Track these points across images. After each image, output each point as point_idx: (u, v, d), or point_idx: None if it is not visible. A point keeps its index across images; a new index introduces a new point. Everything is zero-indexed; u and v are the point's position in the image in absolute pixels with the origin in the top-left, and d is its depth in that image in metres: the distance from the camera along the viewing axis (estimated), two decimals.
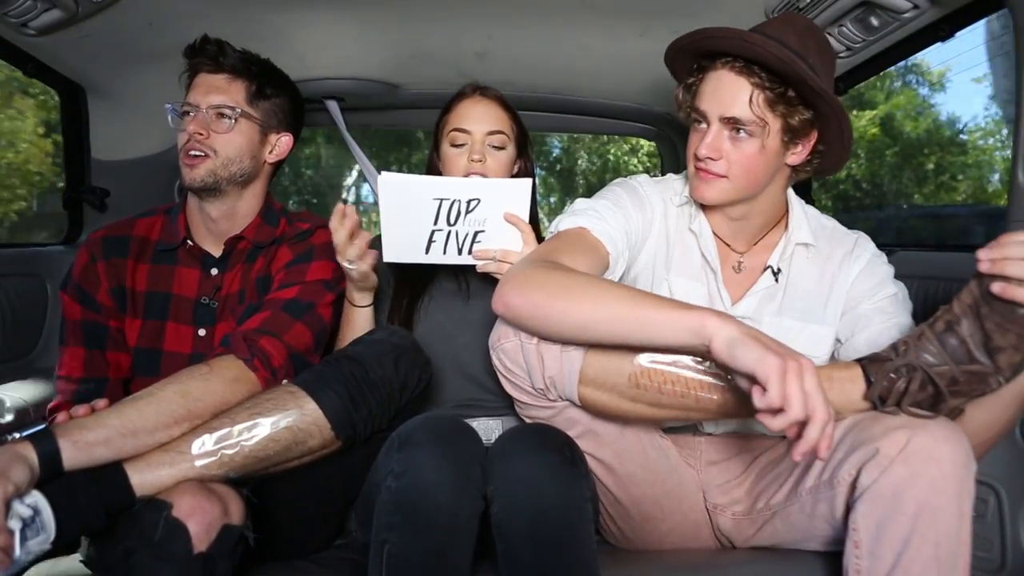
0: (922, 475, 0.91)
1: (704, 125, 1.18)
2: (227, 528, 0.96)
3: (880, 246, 1.31)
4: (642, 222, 1.28)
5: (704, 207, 1.28)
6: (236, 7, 1.62)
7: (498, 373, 1.13)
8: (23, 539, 0.87)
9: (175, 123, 1.34)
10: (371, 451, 1.14)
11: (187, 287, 1.37)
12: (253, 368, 1.15)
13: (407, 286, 1.50)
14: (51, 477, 0.94)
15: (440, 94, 1.70)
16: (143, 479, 0.98)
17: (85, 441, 0.96)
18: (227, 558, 0.96)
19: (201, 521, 0.93)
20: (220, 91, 1.33)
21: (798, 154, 1.20)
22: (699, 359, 1.01)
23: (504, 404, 1.35)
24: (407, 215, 1.29)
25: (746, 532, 1.22)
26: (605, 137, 11.95)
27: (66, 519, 0.92)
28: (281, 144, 1.43)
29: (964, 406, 0.99)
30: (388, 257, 1.32)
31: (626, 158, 12.17)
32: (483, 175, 1.44)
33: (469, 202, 1.29)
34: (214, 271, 1.38)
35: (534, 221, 1.49)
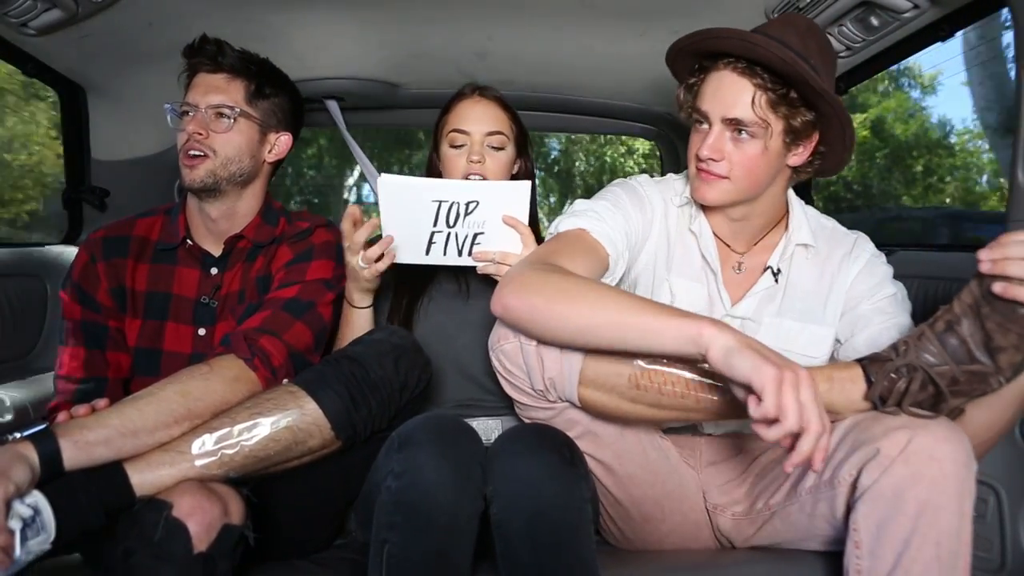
0: (923, 475, 0.91)
1: (706, 126, 1.18)
2: (227, 528, 0.96)
3: (879, 246, 1.31)
4: (642, 223, 1.28)
5: (705, 208, 1.28)
6: (236, 7, 1.62)
7: (498, 374, 1.13)
8: (23, 539, 0.87)
9: (174, 123, 1.34)
10: (371, 451, 1.14)
11: (187, 287, 1.37)
12: (253, 367, 1.15)
13: (407, 287, 1.50)
14: (51, 477, 0.93)
15: (440, 93, 1.71)
16: (143, 479, 0.98)
17: (86, 441, 0.96)
18: (227, 558, 0.96)
19: (201, 521, 0.93)
20: (219, 91, 1.33)
21: (799, 155, 1.20)
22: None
23: (504, 404, 1.35)
24: (407, 217, 1.30)
25: (746, 532, 1.22)
26: (602, 139, 11.98)
27: (66, 519, 0.92)
28: (280, 143, 1.43)
29: (964, 406, 0.99)
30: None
31: (622, 160, 12.22)
32: (482, 176, 1.44)
33: (468, 204, 1.29)
34: (214, 270, 1.38)
35: (534, 221, 1.49)
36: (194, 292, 1.37)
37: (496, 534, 1.02)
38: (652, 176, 1.38)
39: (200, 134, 1.30)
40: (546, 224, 1.48)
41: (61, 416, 1.05)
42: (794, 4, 1.52)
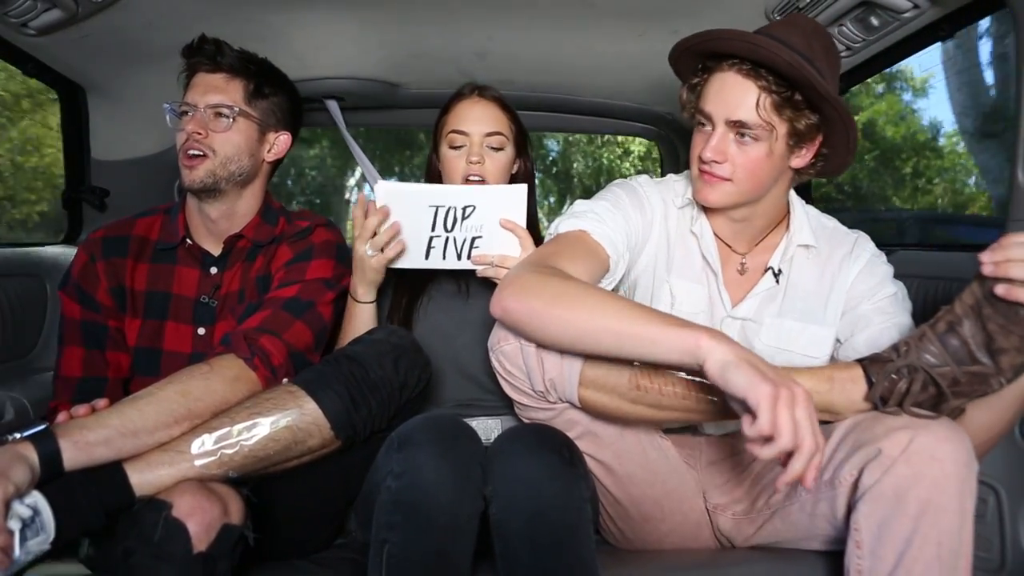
0: (925, 475, 0.91)
1: (709, 127, 1.17)
2: (227, 528, 0.96)
3: (880, 246, 1.31)
4: (642, 224, 1.27)
5: (706, 209, 1.27)
6: (236, 7, 1.62)
7: (497, 375, 1.13)
8: (23, 539, 0.87)
9: (173, 123, 1.34)
10: (371, 451, 1.14)
11: (186, 286, 1.37)
12: (253, 367, 1.15)
13: (406, 286, 1.50)
14: (51, 477, 0.93)
15: (440, 93, 1.70)
16: (143, 479, 0.98)
17: (86, 441, 0.96)
18: (227, 558, 0.96)
19: (201, 521, 0.93)
20: (218, 90, 1.33)
21: (803, 157, 1.19)
22: None
23: (504, 404, 1.35)
24: (405, 222, 1.32)
25: (746, 531, 1.22)
26: (599, 141, 11.99)
27: (66, 519, 0.92)
28: (280, 143, 1.43)
29: (965, 406, 0.99)
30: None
31: (618, 161, 12.25)
32: (481, 176, 1.44)
33: (465, 209, 1.30)
34: (213, 270, 1.38)
35: (533, 222, 1.49)
36: (194, 292, 1.37)
37: (496, 534, 1.02)
38: (651, 177, 1.38)
39: (199, 134, 1.30)
40: (545, 224, 1.48)
41: (61, 416, 1.05)
42: (794, 4, 1.52)
